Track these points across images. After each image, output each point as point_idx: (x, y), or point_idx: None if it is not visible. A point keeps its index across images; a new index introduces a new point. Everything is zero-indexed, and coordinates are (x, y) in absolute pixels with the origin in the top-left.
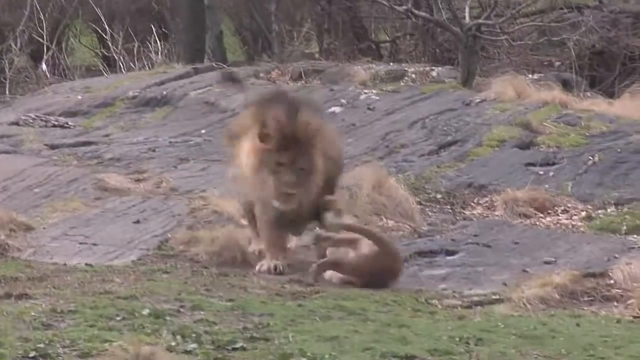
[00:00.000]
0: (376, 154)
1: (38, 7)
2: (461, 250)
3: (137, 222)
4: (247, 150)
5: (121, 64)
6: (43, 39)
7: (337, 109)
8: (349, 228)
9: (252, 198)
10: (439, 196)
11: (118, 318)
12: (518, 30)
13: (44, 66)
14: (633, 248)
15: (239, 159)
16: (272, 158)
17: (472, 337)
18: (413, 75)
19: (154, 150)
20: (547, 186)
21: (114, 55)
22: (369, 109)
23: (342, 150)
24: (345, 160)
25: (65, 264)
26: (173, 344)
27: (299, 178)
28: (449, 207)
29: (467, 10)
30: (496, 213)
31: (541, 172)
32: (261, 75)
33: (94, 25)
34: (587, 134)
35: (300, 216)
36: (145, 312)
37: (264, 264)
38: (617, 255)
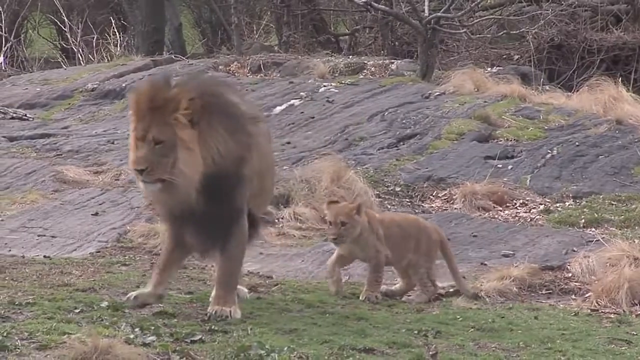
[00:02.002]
0: (335, 147)
1: None
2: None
3: (96, 214)
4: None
5: (80, 56)
6: (1, 31)
7: (296, 102)
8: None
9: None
10: (398, 189)
11: (76, 310)
12: (477, 24)
13: (1, 58)
14: (591, 241)
15: None
16: (135, 136)
17: (431, 329)
18: (372, 69)
19: (112, 143)
20: (505, 179)
21: (73, 47)
22: (328, 101)
23: (245, 142)
24: (304, 152)
25: (23, 256)
26: (132, 336)
27: (154, 153)
28: (407, 200)
29: (426, 3)
30: (455, 206)
31: (500, 166)
32: (220, 67)
33: (52, 17)
34: (546, 127)
35: (190, 210)
36: (104, 304)
37: (139, 293)
38: (575, 249)
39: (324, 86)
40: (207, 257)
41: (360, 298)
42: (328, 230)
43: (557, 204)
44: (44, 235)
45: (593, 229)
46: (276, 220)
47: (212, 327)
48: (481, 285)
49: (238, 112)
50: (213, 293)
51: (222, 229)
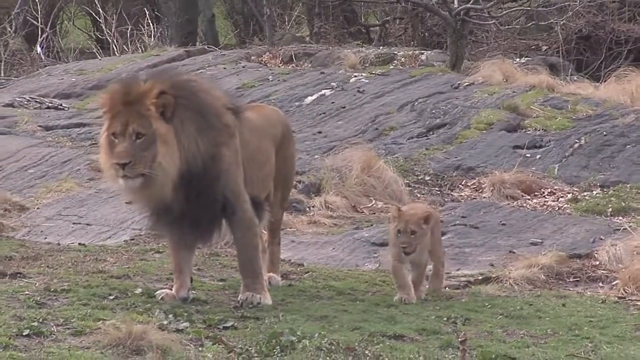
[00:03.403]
0: (366, 137)
1: None
2: (449, 232)
3: (130, 202)
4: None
5: (114, 47)
6: (38, 22)
7: (327, 92)
8: None
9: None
10: (427, 178)
11: (111, 297)
12: (506, 15)
13: (38, 48)
14: (618, 230)
15: None
16: (109, 133)
17: (460, 317)
18: (402, 59)
19: None
20: (533, 169)
21: (108, 38)
22: (358, 91)
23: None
24: (335, 142)
25: (59, 244)
26: (165, 322)
27: (136, 147)
28: (437, 189)
29: None
30: (484, 195)
31: (528, 155)
32: (252, 58)
33: (87, 8)
34: (574, 117)
35: (174, 206)
36: (138, 291)
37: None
38: (602, 237)
39: (355, 76)
40: (208, 244)
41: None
42: (398, 239)
43: (585, 193)
44: (79, 223)
45: (620, 218)
46: (307, 209)
47: (244, 313)
48: (509, 272)
49: (209, 107)
50: (241, 281)
51: (214, 220)
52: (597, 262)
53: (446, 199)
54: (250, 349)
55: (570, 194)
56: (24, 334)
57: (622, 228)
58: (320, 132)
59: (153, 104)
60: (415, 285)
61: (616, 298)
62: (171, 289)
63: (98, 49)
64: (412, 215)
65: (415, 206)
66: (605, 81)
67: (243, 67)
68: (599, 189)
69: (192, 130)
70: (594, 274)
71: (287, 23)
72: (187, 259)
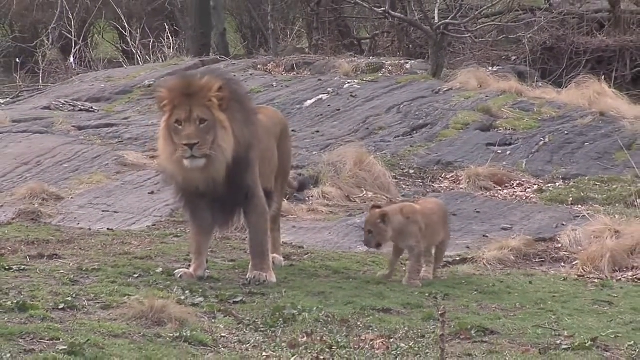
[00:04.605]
0: (358, 135)
1: (67, 7)
2: None
3: (152, 193)
4: (159, 132)
5: (138, 57)
6: (71, 35)
7: (324, 96)
8: None
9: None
10: (411, 172)
11: (135, 275)
12: (480, 29)
13: (72, 59)
14: (578, 217)
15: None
16: (172, 122)
17: (440, 292)
18: (390, 68)
19: None
20: (504, 163)
21: (132, 49)
22: (351, 96)
23: (256, 132)
24: (331, 140)
25: (90, 229)
26: (183, 297)
27: (201, 130)
28: (420, 181)
29: (436, 11)
30: (461, 186)
31: (499, 151)
32: (259, 67)
33: (115, 23)
34: (539, 118)
35: (217, 189)
36: (159, 270)
37: (184, 272)
38: (564, 223)
39: (348, 83)
40: (225, 229)
41: (403, 282)
42: None
43: (549, 185)
44: (108, 211)
45: (580, 206)
46: (306, 199)
47: (252, 290)
48: (483, 254)
49: (249, 104)
50: (250, 261)
51: (236, 205)
52: (560, 245)
53: (428, 190)
54: (257, 320)
55: (536, 186)
56: (60, 307)
57: (582, 215)
58: (318, 132)
59: (214, 96)
60: (410, 272)
61: (576, 276)
62: (188, 269)
63: (124, 59)
64: (372, 216)
65: (423, 200)
66: (566, 87)
67: (250, 74)
68: (561, 181)
69: (240, 121)
70: (556, 255)
71: (289, 36)
72: (206, 243)
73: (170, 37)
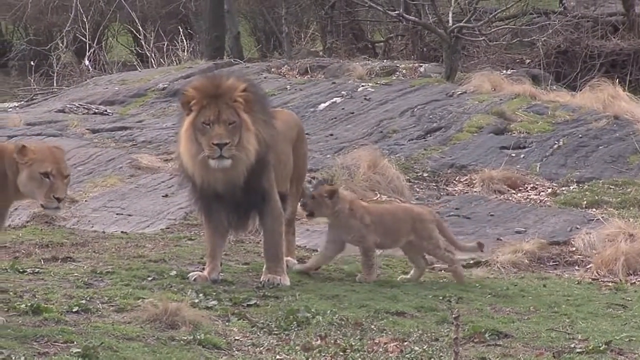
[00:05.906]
0: (371, 138)
1: (82, 10)
2: (445, 222)
3: (166, 196)
4: (181, 132)
5: (152, 60)
6: (86, 38)
7: (338, 100)
8: None
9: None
10: (425, 175)
11: (149, 278)
12: (494, 32)
13: (86, 62)
14: (592, 220)
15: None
16: (199, 122)
17: (454, 296)
18: (404, 71)
19: None
20: (518, 166)
21: (147, 52)
22: (365, 99)
23: (275, 137)
24: (345, 143)
25: (104, 232)
26: (196, 300)
27: (229, 131)
28: (434, 184)
29: (450, 15)
30: (474, 189)
31: (513, 155)
32: (273, 70)
33: (129, 27)
34: (553, 121)
35: (235, 191)
36: (173, 273)
37: (198, 275)
38: (578, 226)
39: (362, 86)
40: (241, 232)
41: (357, 279)
42: None
43: (563, 188)
44: (122, 214)
45: (594, 210)
46: None
47: (266, 293)
48: (497, 257)
49: (269, 107)
50: (265, 264)
51: (252, 208)
52: (574, 248)
53: (442, 193)
54: (270, 323)
55: (550, 189)
56: (74, 310)
57: (596, 218)
58: (332, 135)
59: (240, 96)
60: (363, 268)
61: (590, 280)
62: (202, 272)
63: (138, 62)
64: (322, 188)
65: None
66: (580, 90)
67: (264, 78)
68: (575, 184)
69: (261, 122)
70: (570, 259)
71: (303, 39)
72: (220, 246)
73: (185, 40)
